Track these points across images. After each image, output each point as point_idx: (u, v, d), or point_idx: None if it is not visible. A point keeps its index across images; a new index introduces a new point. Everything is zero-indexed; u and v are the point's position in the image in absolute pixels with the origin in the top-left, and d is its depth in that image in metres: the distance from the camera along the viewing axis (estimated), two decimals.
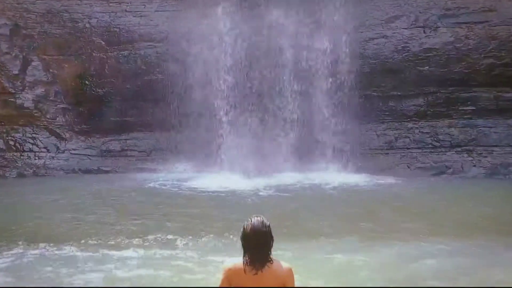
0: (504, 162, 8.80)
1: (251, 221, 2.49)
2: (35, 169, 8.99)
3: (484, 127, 9.01)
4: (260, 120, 9.18)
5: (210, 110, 9.20)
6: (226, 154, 8.96)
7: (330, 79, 9.32)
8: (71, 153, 9.21)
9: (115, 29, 9.85)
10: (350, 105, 9.20)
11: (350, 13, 9.20)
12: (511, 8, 9.07)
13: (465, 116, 9.10)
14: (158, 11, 9.94)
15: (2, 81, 9.05)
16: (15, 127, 9.07)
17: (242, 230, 2.46)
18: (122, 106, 9.44)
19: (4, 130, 9.03)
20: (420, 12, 9.33)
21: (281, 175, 8.39)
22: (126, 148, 9.42)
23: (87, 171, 9.09)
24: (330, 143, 9.16)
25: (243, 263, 2.45)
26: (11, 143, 9.01)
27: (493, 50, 9.00)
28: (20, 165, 8.97)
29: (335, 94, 9.34)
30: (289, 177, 8.28)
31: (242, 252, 2.39)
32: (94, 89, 9.56)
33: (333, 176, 8.39)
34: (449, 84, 9.17)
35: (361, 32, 9.51)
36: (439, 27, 9.36)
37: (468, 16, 9.15)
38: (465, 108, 9.18)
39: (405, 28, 9.44)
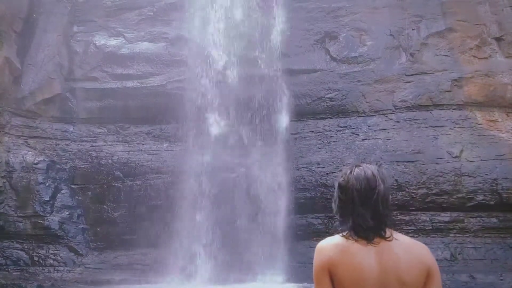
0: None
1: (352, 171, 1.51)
2: (53, 282, 7.98)
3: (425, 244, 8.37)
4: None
5: None
6: None
7: None
8: (85, 267, 8.26)
9: (132, 164, 9.40)
10: None
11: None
12: (435, 151, 8.88)
13: (409, 235, 8.46)
14: (167, 150, 9.60)
15: (35, 206, 8.35)
16: (40, 244, 8.22)
17: (337, 186, 1.54)
18: (131, 226, 8.69)
19: (31, 247, 8.20)
20: (367, 153, 9.08)
21: None
22: (133, 262, 8.50)
23: (98, 283, 8.03)
24: None
25: (346, 234, 1.45)
26: (36, 259, 8.11)
27: (424, 183, 8.65)
28: (41, 278, 8.00)
29: None
30: None
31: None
32: (111, 212, 8.88)
33: None
34: (393, 209, 8.68)
35: (323, 167, 9.13)
36: (382, 164, 9.07)
37: (403, 156, 8.92)
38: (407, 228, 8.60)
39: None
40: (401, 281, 1.36)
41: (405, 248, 1.47)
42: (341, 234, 1.52)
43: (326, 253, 1.47)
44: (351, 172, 1.55)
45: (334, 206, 1.57)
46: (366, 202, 1.48)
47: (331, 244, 1.51)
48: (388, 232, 1.47)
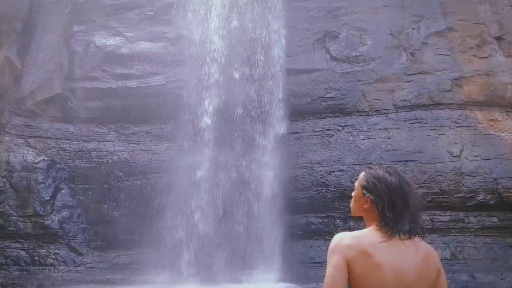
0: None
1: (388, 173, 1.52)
2: (53, 281, 7.99)
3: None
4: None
5: None
6: None
7: None
8: (86, 266, 8.27)
9: (132, 163, 9.41)
10: None
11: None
12: (436, 150, 8.88)
13: None
14: (167, 150, 9.60)
15: (35, 205, 8.36)
16: (41, 244, 8.24)
17: (369, 177, 1.54)
18: (131, 225, 8.69)
19: (32, 247, 8.21)
20: (367, 153, 9.09)
21: None
22: (133, 261, 8.50)
23: (98, 282, 8.04)
24: None
25: (374, 228, 1.48)
26: (36, 258, 8.12)
27: (424, 182, 8.65)
28: (41, 277, 8.01)
29: None
30: None
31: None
32: (111, 211, 8.89)
33: None
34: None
35: (324, 166, 9.13)
36: (382, 164, 9.03)
37: (403, 155, 8.92)
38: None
39: (357, 164, 9.12)
40: (420, 280, 1.43)
41: (420, 249, 1.54)
42: (366, 230, 1.55)
43: (346, 245, 1.48)
44: (384, 174, 1.55)
45: (378, 204, 1.56)
46: (404, 205, 1.54)
47: (353, 237, 1.53)
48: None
